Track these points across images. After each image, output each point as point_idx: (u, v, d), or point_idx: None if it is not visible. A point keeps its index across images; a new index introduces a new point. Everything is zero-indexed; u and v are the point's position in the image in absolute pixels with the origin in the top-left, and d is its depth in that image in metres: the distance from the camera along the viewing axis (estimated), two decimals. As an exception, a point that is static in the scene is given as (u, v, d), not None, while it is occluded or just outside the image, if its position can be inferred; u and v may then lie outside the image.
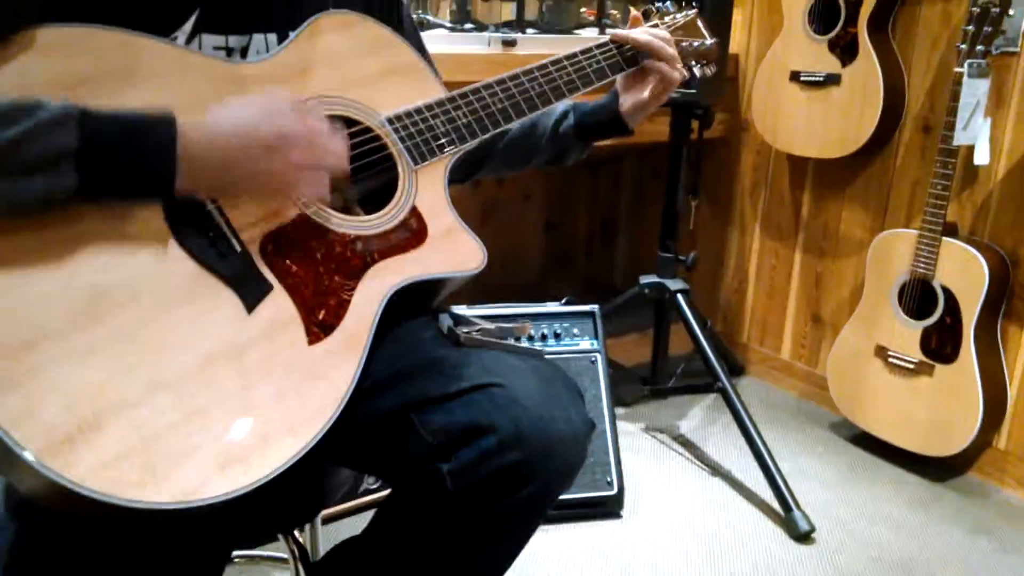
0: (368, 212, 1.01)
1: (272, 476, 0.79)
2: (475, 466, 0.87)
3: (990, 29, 1.84)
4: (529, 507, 0.91)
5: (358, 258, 0.95)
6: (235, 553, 1.61)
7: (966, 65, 1.87)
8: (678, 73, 1.24)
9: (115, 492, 0.71)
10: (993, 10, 1.83)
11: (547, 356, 1.89)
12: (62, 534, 0.80)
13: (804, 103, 2.30)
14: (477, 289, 2.90)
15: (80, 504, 0.71)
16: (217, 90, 0.91)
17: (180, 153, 0.79)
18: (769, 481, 1.98)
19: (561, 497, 1.79)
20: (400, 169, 1.03)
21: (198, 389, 0.79)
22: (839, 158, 2.26)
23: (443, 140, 1.07)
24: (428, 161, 1.05)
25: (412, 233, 1.01)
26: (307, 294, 0.89)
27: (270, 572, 1.68)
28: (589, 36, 2.49)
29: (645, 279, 2.36)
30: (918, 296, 2.06)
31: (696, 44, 1.32)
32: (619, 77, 1.25)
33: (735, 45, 2.60)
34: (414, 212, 1.02)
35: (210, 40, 0.95)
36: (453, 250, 1.03)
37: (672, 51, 1.24)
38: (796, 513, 1.90)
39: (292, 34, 1.01)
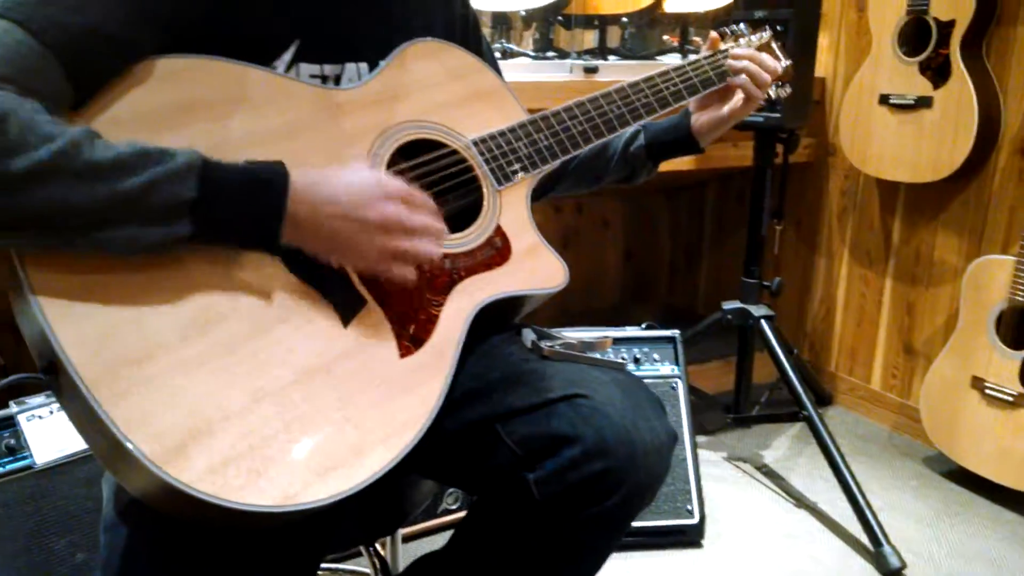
0: (454, 231, 1.04)
1: (366, 484, 0.82)
2: (561, 475, 0.88)
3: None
4: (613, 517, 0.92)
5: (446, 275, 0.98)
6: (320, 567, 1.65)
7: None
8: (762, 88, 1.24)
9: (223, 495, 0.75)
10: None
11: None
12: (170, 537, 0.84)
13: (894, 127, 2.25)
14: (558, 315, 2.92)
15: (189, 506, 0.75)
16: (316, 114, 0.96)
17: (287, 218, 0.84)
18: (857, 514, 1.92)
19: (641, 524, 1.83)
20: (485, 189, 1.07)
21: (298, 399, 0.83)
22: (932, 183, 2.20)
23: (526, 161, 1.10)
24: (512, 182, 1.08)
25: (497, 251, 1.03)
26: (398, 309, 0.93)
27: (354, 586, 1.71)
28: (671, 62, 2.50)
29: (728, 305, 2.33)
30: (1017, 325, 1.98)
31: None
32: (692, 97, 1.26)
33: (821, 68, 2.57)
34: (498, 231, 1.05)
35: (307, 69, 1.00)
36: (536, 268, 1.05)
37: (766, 74, 1.25)
38: (886, 548, 1.84)
39: (382, 63, 1.05)
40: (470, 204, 1.07)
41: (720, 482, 2.19)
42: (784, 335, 2.49)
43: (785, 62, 1.36)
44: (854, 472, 1.97)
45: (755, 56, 1.26)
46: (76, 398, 0.74)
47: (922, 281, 2.40)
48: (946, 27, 2.10)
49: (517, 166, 1.09)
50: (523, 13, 2.51)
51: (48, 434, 1.45)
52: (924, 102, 2.17)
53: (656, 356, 1.99)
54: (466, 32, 1.21)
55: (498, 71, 1.24)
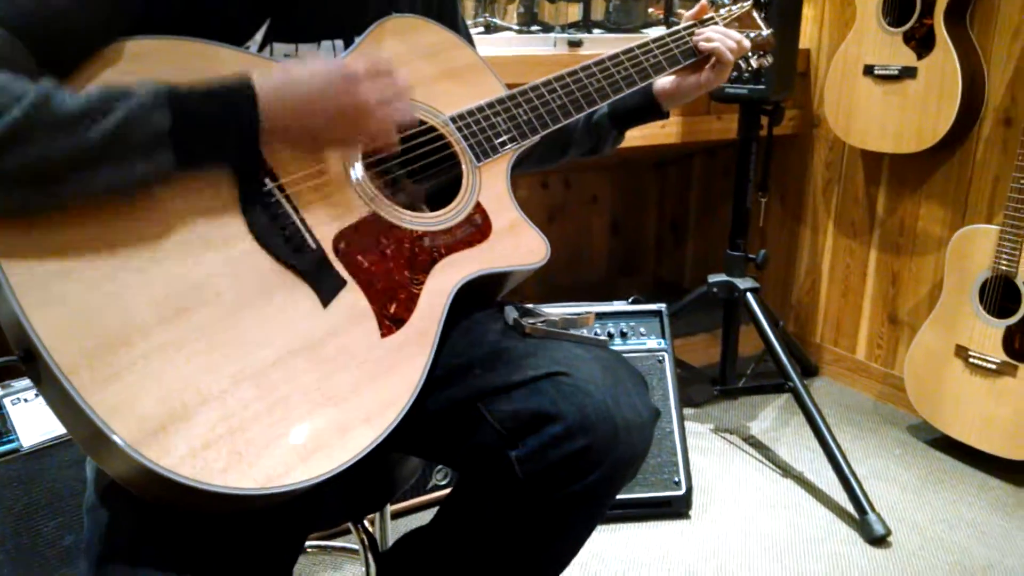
0: (434, 209, 1.04)
1: (349, 464, 0.82)
2: (543, 452, 0.89)
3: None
4: (595, 494, 0.92)
5: (425, 253, 0.98)
6: (309, 543, 1.66)
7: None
8: (731, 52, 1.24)
9: (204, 479, 0.74)
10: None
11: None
12: (152, 519, 0.84)
13: (879, 97, 2.24)
14: (544, 289, 2.92)
15: (171, 490, 0.75)
16: None
17: (263, 124, 0.86)
18: (843, 483, 1.94)
19: (628, 496, 1.85)
20: (464, 166, 1.06)
21: (279, 381, 0.82)
22: (916, 153, 2.20)
23: (504, 137, 1.09)
24: (491, 158, 1.07)
25: (477, 228, 1.03)
26: (379, 288, 0.92)
27: (342, 562, 1.72)
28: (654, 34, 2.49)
29: (714, 278, 2.34)
30: (1000, 294, 1.99)
31: (752, 35, 1.32)
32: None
33: (806, 40, 2.56)
34: (478, 208, 1.05)
35: (280, 48, 0.99)
36: (517, 244, 1.05)
37: (744, 44, 1.25)
38: (871, 516, 1.86)
39: (357, 39, 1.04)
40: (449, 181, 1.07)
41: (707, 454, 2.21)
42: (770, 307, 2.51)
43: (766, 31, 1.36)
44: (839, 442, 2.00)
45: (725, 35, 1.25)
46: (53, 385, 0.74)
47: (906, 251, 2.42)
48: (930, -4, 2.09)
49: (496, 141, 1.08)
50: (506, -14, 2.49)
51: (34, 417, 1.44)
52: (908, 72, 2.16)
53: (643, 330, 1.99)
54: (442, 9, 1.20)
55: (472, 47, 1.23)
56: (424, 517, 1.83)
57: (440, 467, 1.87)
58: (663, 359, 1.97)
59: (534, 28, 2.39)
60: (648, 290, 3.16)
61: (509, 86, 1.16)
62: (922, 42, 2.13)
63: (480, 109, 1.09)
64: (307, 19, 1.01)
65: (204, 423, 0.77)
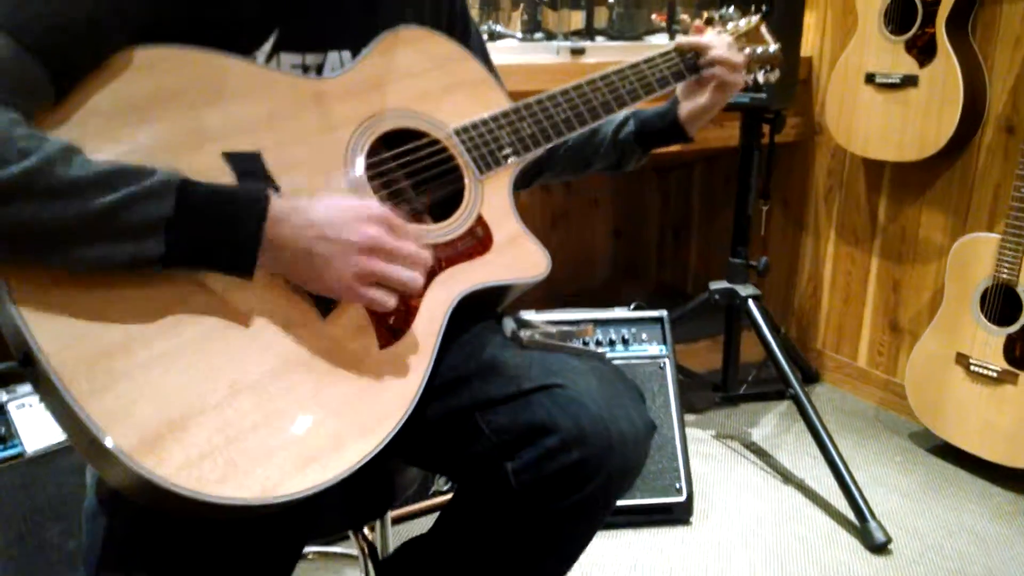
0: (436, 221, 1.04)
1: (346, 475, 0.82)
2: (538, 464, 0.90)
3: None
4: (591, 506, 0.93)
5: None
6: (309, 549, 1.67)
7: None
8: (739, 76, 1.24)
9: (200, 489, 0.75)
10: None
11: (615, 361, 1.90)
12: (149, 527, 0.85)
13: (880, 105, 2.25)
14: (547, 295, 2.93)
15: (168, 500, 0.76)
16: (296, 103, 0.97)
17: (264, 243, 0.82)
18: (844, 490, 1.94)
19: (629, 502, 1.85)
20: (466, 179, 1.07)
21: (277, 392, 0.83)
22: (917, 161, 2.21)
23: (508, 150, 1.10)
24: (494, 170, 1.08)
25: (478, 241, 1.04)
26: None
27: (342, 569, 1.73)
28: (659, 43, 2.50)
29: (715, 285, 2.34)
30: (1001, 302, 1.99)
31: (760, 50, 1.32)
32: (680, 84, 1.26)
33: (807, 48, 2.56)
34: (480, 220, 1.05)
35: (288, 58, 1.00)
36: (518, 257, 1.05)
37: (737, 57, 1.24)
38: (872, 523, 1.86)
39: (364, 50, 1.05)
40: (451, 194, 1.07)
41: (708, 460, 2.22)
42: (771, 314, 2.51)
43: (774, 46, 1.36)
44: (840, 449, 2.00)
45: (724, 59, 1.24)
46: (52, 392, 0.75)
47: (908, 259, 2.42)
48: (932, 5, 2.09)
49: (500, 154, 1.09)
50: (509, -6, 2.50)
51: (38, 422, 1.45)
52: (910, 81, 2.17)
53: (644, 336, 2.00)
54: (453, 18, 1.20)
55: (486, 57, 1.23)
56: (427, 523, 1.84)
57: (441, 473, 1.88)
58: (664, 365, 1.97)
59: (537, 36, 2.40)
60: (650, 296, 3.16)
61: (513, 94, 1.17)
62: (924, 50, 2.13)
63: (484, 122, 1.10)
64: (315, 29, 1.02)
65: (201, 433, 0.77)
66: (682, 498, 1.90)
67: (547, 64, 2.13)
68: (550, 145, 1.13)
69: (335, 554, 1.68)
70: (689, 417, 2.42)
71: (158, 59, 0.88)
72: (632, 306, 2.03)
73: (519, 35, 2.40)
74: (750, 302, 2.27)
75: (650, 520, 1.92)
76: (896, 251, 2.44)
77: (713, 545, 1.86)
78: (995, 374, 2.00)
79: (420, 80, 1.09)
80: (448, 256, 1.01)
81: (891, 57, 2.20)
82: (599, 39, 2.43)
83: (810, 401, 2.09)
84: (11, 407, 1.45)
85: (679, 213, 3.24)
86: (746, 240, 2.33)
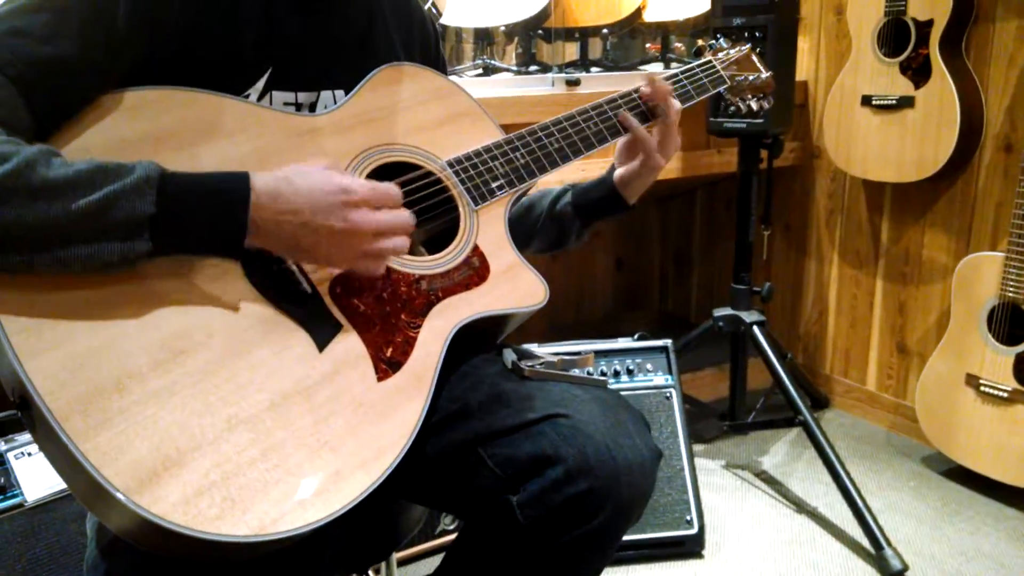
0: (432, 252, 1.04)
1: (345, 510, 0.81)
2: (544, 497, 0.88)
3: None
4: (600, 538, 0.91)
5: (423, 297, 0.98)
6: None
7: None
8: (659, 139, 1.18)
9: (197, 526, 0.74)
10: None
11: (621, 392, 1.88)
12: (148, 573, 0.83)
13: (877, 127, 2.25)
14: (549, 327, 2.91)
15: (165, 539, 0.74)
16: (288, 140, 0.96)
17: (249, 227, 0.83)
18: (857, 518, 1.91)
19: (640, 536, 1.82)
20: (461, 210, 1.06)
21: (274, 426, 0.82)
22: (917, 182, 2.20)
23: (502, 181, 1.09)
24: (488, 201, 1.08)
25: (474, 271, 1.03)
26: (375, 332, 0.92)
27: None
28: (654, 71, 2.51)
29: (719, 312, 2.33)
30: (1009, 321, 1.97)
31: (752, 78, 1.32)
32: (618, 146, 1.22)
33: (803, 72, 2.57)
34: (476, 251, 1.05)
35: (280, 96, 1.00)
36: (515, 286, 1.04)
37: (673, 109, 1.19)
38: (888, 551, 1.82)
39: (357, 86, 1.05)
40: (447, 225, 1.07)
41: (719, 491, 2.18)
42: (778, 339, 2.49)
43: (765, 74, 1.36)
44: (853, 474, 1.96)
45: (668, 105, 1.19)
46: (47, 432, 0.74)
47: (912, 280, 2.40)
48: (925, 27, 2.10)
49: (494, 185, 1.09)
50: (504, 28, 2.52)
51: (38, 471, 1.44)
52: (906, 102, 2.17)
53: (649, 366, 1.98)
54: (438, 53, 1.22)
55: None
56: (432, 563, 1.81)
57: (448, 511, 1.85)
58: (671, 395, 1.95)
59: (532, 68, 2.41)
60: (654, 325, 3.14)
61: (508, 126, 1.17)
62: (919, 71, 2.14)
63: (477, 154, 1.09)
64: (308, 68, 1.03)
65: (197, 469, 0.76)
66: (694, 531, 1.87)
67: (542, 96, 2.14)
68: (545, 175, 1.13)
69: (341, 597, 1.65)
70: (697, 447, 2.39)
71: (150, 100, 0.89)
72: (636, 336, 2.02)
73: (514, 68, 2.41)
74: (755, 328, 2.25)
75: (662, 554, 1.88)
76: (900, 272, 2.43)
77: (727, 577, 1.83)
78: (1006, 394, 1.97)
79: (412, 114, 1.09)
80: (445, 287, 1.00)
81: (886, 79, 2.20)
82: (594, 70, 2.44)
83: (820, 427, 2.06)
84: (10, 456, 1.44)
85: (680, 241, 3.23)
86: (748, 266, 2.32)
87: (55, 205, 0.75)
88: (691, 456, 1.91)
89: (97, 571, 0.88)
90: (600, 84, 2.24)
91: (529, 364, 0.98)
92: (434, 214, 1.06)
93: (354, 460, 0.84)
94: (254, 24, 0.96)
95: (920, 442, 2.34)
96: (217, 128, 0.92)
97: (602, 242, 3.10)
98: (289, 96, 1.01)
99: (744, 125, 2.17)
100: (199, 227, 0.82)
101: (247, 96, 0.97)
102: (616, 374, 1.96)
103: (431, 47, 1.21)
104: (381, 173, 1.04)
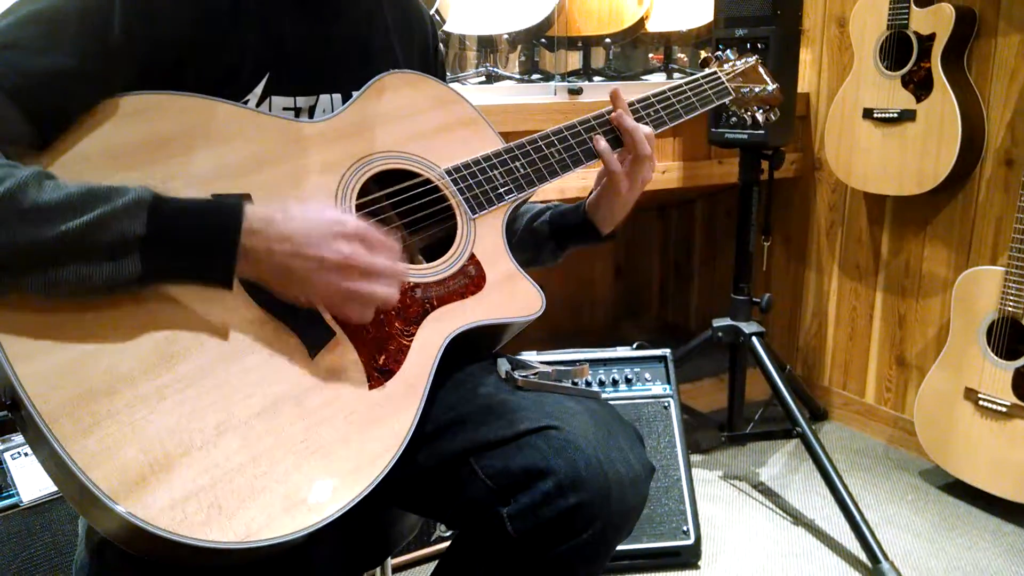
0: (429, 260, 1.04)
1: (334, 518, 0.81)
2: (535, 510, 0.87)
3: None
4: (590, 551, 0.90)
5: (417, 305, 0.97)
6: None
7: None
8: (626, 170, 1.14)
9: (183, 531, 0.74)
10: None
11: (617, 402, 1.88)
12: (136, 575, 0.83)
13: (879, 140, 2.25)
14: (548, 336, 2.91)
15: (152, 543, 0.74)
16: (286, 146, 0.97)
17: (240, 254, 0.82)
18: (855, 531, 1.90)
19: (636, 546, 1.81)
20: (459, 218, 1.06)
21: (264, 432, 0.82)
22: (918, 195, 2.20)
23: (501, 190, 1.09)
24: (486, 210, 1.08)
25: (470, 280, 1.03)
26: (368, 340, 0.92)
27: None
28: (656, 81, 2.52)
29: (718, 322, 2.33)
30: (1008, 336, 1.97)
31: (758, 90, 1.32)
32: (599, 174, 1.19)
33: (805, 84, 2.58)
34: (472, 259, 1.05)
35: (279, 101, 1.00)
36: (512, 296, 1.04)
37: (644, 149, 1.14)
38: (884, 564, 1.82)
39: (355, 93, 1.05)
40: (444, 234, 1.07)
41: (716, 501, 2.18)
42: (776, 351, 2.49)
43: (772, 86, 1.36)
44: (850, 487, 1.96)
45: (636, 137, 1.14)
46: (37, 435, 0.74)
47: (912, 293, 2.40)
48: (927, 41, 2.10)
49: (492, 194, 1.09)
50: (507, 36, 2.53)
51: (34, 471, 1.44)
52: (907, 115, 2.17)
53: (647, 376, 1.98)
54: (436, 58, 1.22)
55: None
56: (427, 570, 1.80)
57: (443, 518, 1.84)
58: (668, 405, 1.95)
59: (535, 77, 2.42)
60: (653, 334, 3.14)
61: (510, 135, 1.17)
62: (920, 85, 2.14)
63: (476, 162, 1.09)
64: (306, 73, 1.03)
65: (186, 474, 0.76)
66: (690, 541, 1.87)
67: (544, 104, 2.14)
68: (545, 185, 1.13)
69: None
70: (695, 458, 2.39)
71: (148, 106, 0.89)
72: (634, 345, 2.01)
73: (517, 76, 2.41)
74: (754, 339, 2.25)
75: (658, 564, 1.88)
76: (900, 285, 2.43)
77: (722, 589, 1.82)
78: (1004, 409, 1.97)
79: (411, 122, 1.09)
80: (440, 295, 1.00)
81: (888, 92, 2.20)
82: (596, 79, 2.45)
83: (818, 440, 2.05)
84: (6, 456, 1.44)
85: (680, 251, 3.23)
86: (748, 277, 2.32)
87: (45, 228, 0.74)
88: (688, 466, 1.91)
89: (85, 572, 0.88)
90: (602, 93, 2.24)
91: (523, 374, 0.98)
92: (431, 222, 1.06)
93: (344, 467, 0.83)
94: (252, 29, 0.96)
95: (918, 456, 2.33)
96: (215, 134, 0.92)
97: (602, 251, 3.10)
98: (288, 101, 1.01)
99: (746, 136, 2.17)
100: (190, 250, 0.81)
101: (246, 101, 0.97)
102: (614, 383, 1.95)
103: (430, 52, 1.21)
104: (379, 180, 1.04)
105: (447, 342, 0.97)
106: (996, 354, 1.99)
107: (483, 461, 0.92)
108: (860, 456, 2.42)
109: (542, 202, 1.31)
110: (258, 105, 0.99)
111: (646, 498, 0.95)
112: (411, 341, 0.95)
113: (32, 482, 1.43)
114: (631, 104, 1.20)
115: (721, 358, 2.43)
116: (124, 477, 0.74)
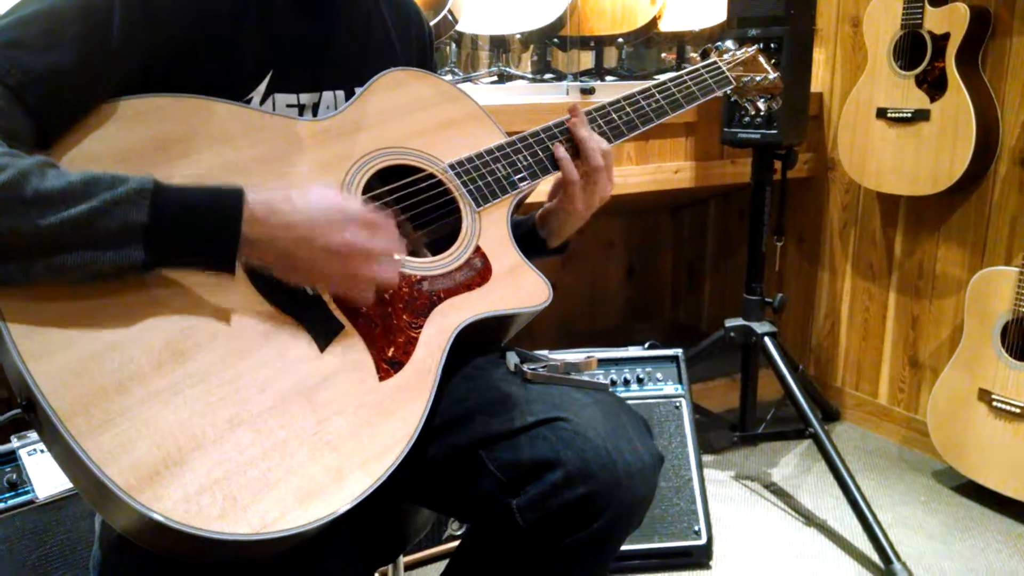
0: (435, 254, 1.04)
1: (347, 509, 0.81)
2: (544, 501, 0.88)
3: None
4: (599, 542, 0.91)
5: (424, 297, 0.98)
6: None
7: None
8: (582, 184, 1.12)
9: (198, 524, 0.74)
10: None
11: (629, 401, 1.88)
12: (152, 572, 0.84)
13: (892, 140, 2.24)
14: (561, 336, 2.91)
15: (167, 538, 0.75)
16: (290, 145, 0.97)
17: (243, 241, 0.82)
18: (867, 531, 1.89)
19: (647, 546, 1.81)
20: (463, 212, 1.07)
21: (276, 425, 0.82)
22: (932, 195, 2.19)
23: (505, 182, 1.10)
24: (491, 203, 1.08)
25: (477, 272, 1.04)
26: (376, 333, 0.93)
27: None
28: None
29: (731, 322, 2.32)
30: (1022, 336, 1.95)
31: (759, 79, 1.33)
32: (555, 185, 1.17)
33: (818, 83, 2.57)
34: (478, 251, 1.05)
35: (283, 99, 1.01)
36: (518, 287, 1.05)
37: (597, 161, 1.12)
38: (896, 565, 1.81)
39: (359, 90, 1.06)
40: (450, 227, 1.07)
41: (727, 502, 2.17)
42: (789, 351, 2.48)
43: (772, 75, 1.37)
44: (863, 488, 1.95)
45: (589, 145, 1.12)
46: (52, 432, 0.74)
47: (926, 294, 2.39)
48: (941, 40, 2.09)
49: (496, 187, 1.09)
50: (520, 36, 2.53)
51: (50, 468, 1.45)
52: (922, 115, 2.16)
53: (659, 376, 1.97)
54: (431, 57, 1.24)
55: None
56: (438, 568, 1.81)
57: (454, 516, 1.85)
58: (680, 405, 1.94)
59: (547, 76, 2.42)
60: (665, 334, 3.14)
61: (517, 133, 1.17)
62: (934, 84, 2.13)
63: (479, 156, 1.10)
64: (309, 70, 1.04)
65: (199, 468, 0.77)
66: (701, 541, 1.86)
67: (556, 104, 2.14)
68: (548, 176, 1.13)
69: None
70: (707, 458, 2.38)
71: (152, 108, 0.90)
72: (647, 345, 2.01)
73: (529, 76, 2.42)
74: (766, 339, 2.24)
75: (669, 564, 1.87)
76: (913, 286, 2.41)
77: (733, 588, 1.82)
78: (1018, 410, 1.95)
79: (414, 118, 1.10)
80: (447, 288, 1.00)
81: (902, 92, 2.20)
82: (609, 79, 2.45)
83: (831, 440, 2.04)
84: (22, 453, 1.45)
85: (693, 251, 3.22)
86: (761, 276, 2.31)
87: (48, 215, 0.75)
88: (700, 466, 1.90)
89: (101, 569, 0.89)
90: (614, 93, 2.21)
91: (532, 367, 0.99)
92: (436, 215, 1.07)
93: (355, 460, 0.84)
94: (254, 27, 0.97)
95: (932, 457, 2.32)
96: (219, 133, 0.93)
97: (614, 251, 3.10)
98: (291, 98, 1.02)
99: (758, 135, 2.17)
100: (193, 237, 0.81)
101: (250, 100, 0.98)
102: (626, 383, 1.95)
103: (426, 50, 1.23)
104: (383, 176, 1.05)
105: (455, 334, 0.97)
106: (1010, 355, 1.97)
107: (493, 453, 0.92)
108: (873, 457, 2.41)
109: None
110: (262, 102, 1.00)
111: (655, 488, 0.95)
112: (419, 333, 0.95)
113: (48, 479, 1.44)
114: (588, 113, 1.17)
115: (733, 358, 2.42)
116: (139, 472, 0.74)
